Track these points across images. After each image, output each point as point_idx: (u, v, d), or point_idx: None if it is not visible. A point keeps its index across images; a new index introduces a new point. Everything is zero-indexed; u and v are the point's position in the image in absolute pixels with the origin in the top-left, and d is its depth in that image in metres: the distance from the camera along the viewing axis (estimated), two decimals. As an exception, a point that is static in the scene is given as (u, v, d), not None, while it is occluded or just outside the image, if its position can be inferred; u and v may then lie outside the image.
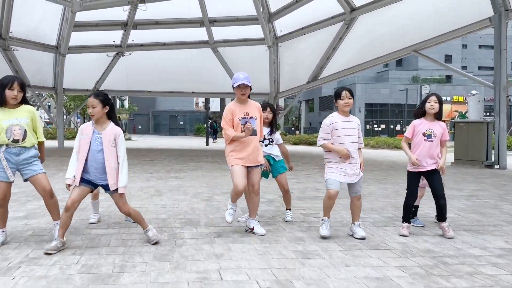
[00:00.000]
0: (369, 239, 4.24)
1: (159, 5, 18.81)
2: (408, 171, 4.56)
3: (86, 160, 3.73)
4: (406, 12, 16.09)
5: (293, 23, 19.58)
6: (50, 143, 24.47)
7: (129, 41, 20.84)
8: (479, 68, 62.52)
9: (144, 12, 18.71)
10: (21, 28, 18.27)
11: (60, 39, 19.93)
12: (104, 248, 3.73)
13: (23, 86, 3.83)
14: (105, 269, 3.18)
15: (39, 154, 3.99)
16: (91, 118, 3.88)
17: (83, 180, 3.74)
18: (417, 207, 5.01)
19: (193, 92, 24.50)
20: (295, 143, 28.19)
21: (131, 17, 19.40)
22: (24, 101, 3.90)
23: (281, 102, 38.27)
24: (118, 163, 3.77)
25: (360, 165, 4.32)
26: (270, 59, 20.96)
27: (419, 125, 4.48)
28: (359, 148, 4.39)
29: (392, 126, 48.05)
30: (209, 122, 34.92)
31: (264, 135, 4.89)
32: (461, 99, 48.54)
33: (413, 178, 4.54)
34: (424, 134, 4.41)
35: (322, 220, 4.34)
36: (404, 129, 48.08)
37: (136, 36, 20.65)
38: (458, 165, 14.08)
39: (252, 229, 4.40)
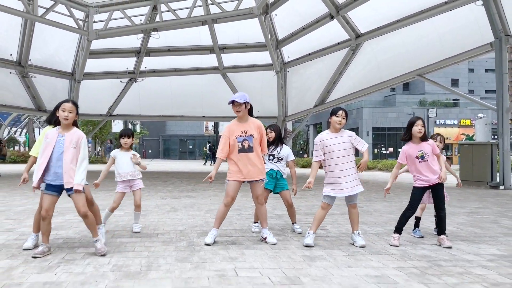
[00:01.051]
0: (371, 246, 4.60)
1: (171, 33, 19.57)
2: (414, 187, 4.91)
3: (48, 165, 4.02)
4: (410, 37, 16.63)
5: (300, 49, 20.19)
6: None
7: (142, 68, 21.54)
8: (486, 91, 62.80)
9: (156, 40, 19.51)
10: (39, 55, 19.06)
11: (75, 66, 20.68)
12: (130, 252, 4.14)
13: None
14: (134, 268, 3.58)
15: None
16: (60, 123, 4.22)
17: (49, 188, 4.02)
18: (419, 218, 5.40)
19: (203, 117, 25.07)
20: (303, 166, 28.52)
21: (144, 44, 20.17)
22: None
23: (289, 126, 38.79)
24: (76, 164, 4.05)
25: (360, 165, 4.67)
26: (278, 84, 21.51)
27: (409, 150, 4.87)
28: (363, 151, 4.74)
29: (399, 150, 47.91)
30: (208, 146, 35.74)
31: (271, 153, 5.36)
32: (468, 122, 48.79)
33: (418, 193, 4.88)
34: (417, 157, 4.79)
35: (308, 233, 4.69)
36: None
37: (149, 62, 21.38)
38: (464, 186, 14.33)
39: (265, 238, 4.77)
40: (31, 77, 19.24)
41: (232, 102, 4.87)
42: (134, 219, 5.30)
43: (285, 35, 20.01)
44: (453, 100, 58.75)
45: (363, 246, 4.57)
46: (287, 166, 5.49)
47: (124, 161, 5.07)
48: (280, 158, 5.41)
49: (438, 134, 5.76)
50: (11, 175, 16.67)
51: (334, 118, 4.76)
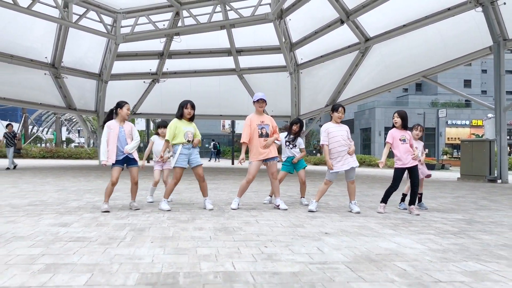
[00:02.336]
0: (361, 213, 5.85)
1: (192, 37, 20.98)
2: (395, 168, 6.15)
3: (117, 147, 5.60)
4: (416, 41, 17.73)
5: (312, 51, 21.41)
6: (89, 162, 26.56)
7: (164, 69, 22.99)
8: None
9: (178, 43, 20.95)
10: (70, 58, 20.60)
11: (102, 68, 22.21)
12: (177, 212, 5.46)
13: (194, 107, 5.98)
14: (183, 218, 4.91)
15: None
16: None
17: (116, 162, 5.56)
18: (405, 195, 6.64)
19: (220, 115, 26.41)
20: (315, 163, 29.70)
21: (167, 47, 21.61)
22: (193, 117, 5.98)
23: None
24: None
25: (350, 150, 5.91)
26: (291, 84, 22.75)
27: (395, 133, 6.13)
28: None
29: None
30: (212, 143, 37.26)
31: (290, 141, 6.71)
32: (480, 123, 49.38)
33: (398, 173, 6.12)
34: (400, 139, 6.05)
35: (311, 201, 5.99)
36: (425, 152, 48.84)
37: (170, 64, 22.82)
38: (464, 180, 15.43)
39: (278, 205, 6.05)
40: (63, 78, 20.79)
41: (257, 100, 6.12)
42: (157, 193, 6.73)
43: (298, 38, 21.26)
44: (466, 101, 59.27)
45: (358, 213, 5.82)
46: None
47: (159, 146, 6.44)
48: (295, 145, 6.78)
49: (418, 125, 6.97)
50: (54, 167, 18.21)
51: (335, 114, 6.05)
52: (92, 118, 42.15)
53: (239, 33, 21.12)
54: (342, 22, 18.62)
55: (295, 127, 6.85)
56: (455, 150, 47.59)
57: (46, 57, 19.78)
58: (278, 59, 22.10)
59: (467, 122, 50.64)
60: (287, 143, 6.86)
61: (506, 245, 3.83)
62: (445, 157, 44.99)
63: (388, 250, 3.48)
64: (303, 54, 22.09)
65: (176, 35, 20.79)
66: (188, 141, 5.77)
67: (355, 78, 20.93)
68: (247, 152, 6.16)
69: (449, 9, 15.98)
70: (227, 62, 22.96)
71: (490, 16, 14.89)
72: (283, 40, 20.43)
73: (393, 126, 6.22)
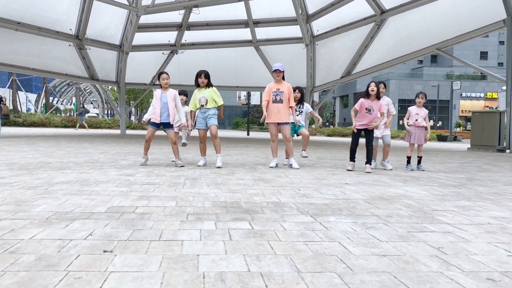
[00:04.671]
0: (374, 172, 6.68)
1: (210, 8, 21.55)
2: (353, 131, 6.92)
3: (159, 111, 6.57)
4: (430, 14, 18.15)
5: (328, 23, 21.87)
6: (110, 131, 27.57)
7: (182, 41, 23.64)
8: (499, 64, 62.53)
9: (196, 15, 21.54)
10: (92, 30, 21.35)
11: (123, 39, 22.93)
12: (216, 168, 6.35)
13: (207, 76, 6.75)
14: (223, 172, 5.80)
15: (218, 112, 6.80)
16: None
17: (152, 124, 6.52)
18: (409, 157, 7.44)
19: (237, 87, 27.13)
20: (329, 135, 30.46)
21: (185, 19, 22.20)
22: (209, 84, 6.81)
23: (315, 98, 40.41)
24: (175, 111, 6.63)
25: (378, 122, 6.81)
26: (307, 56, 23.29)
27: (364, 102, 6.78)
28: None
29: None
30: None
31: (296, 108, 7.52)
32: (495, 95, 49.41)
33: (355, 136, 6.90)
34: (366, 109, 6.74)
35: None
36: (438, 125, 49.44)
37: (188, 36, 23.45)
38: (473, 150, 16.13)
39: (291, 165, 6.89)
40: (86, 49, 21.60)
41: (274, 70, 6.92)
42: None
43: (314, 10, 21.70)
44: (481, 73, 58.98)
45: (391, 169, 6.83)
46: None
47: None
48: (300, 111, 7.58)
49: (421, 92, 7.67)
50: (82, 135, 19.24)
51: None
52: (110, 88, 43.07)
53: (256, 4, 21.59)
54: (359, -5, 19.02)
55: (295, 94, 7.59)
56: (468, 123, 47.87)
57: (70, 29, 20.54)
58: (294, 31, 22.61)
59: (482, 95, 50.67)
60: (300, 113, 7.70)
61: (495, 193, 4.65)
62: (458, 129, 45.38)
63: (397, 194, 4.32)
64: (319, 26, 22.54)
65: (195, 7, 21.33)
66: (202, 105, 6.67)
67: (370, 50, 21.43)
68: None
69: (464, -18, 16.34)
70: (244, 33, 23.51)
71: (504, -11, 15.27)
72: (300, 11, 20.91)
73: (364, 95, 6.75)
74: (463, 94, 51.54)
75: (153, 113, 6.61)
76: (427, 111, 7.61)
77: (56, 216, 2.81)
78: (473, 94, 51.72)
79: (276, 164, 6.99)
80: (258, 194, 3.96)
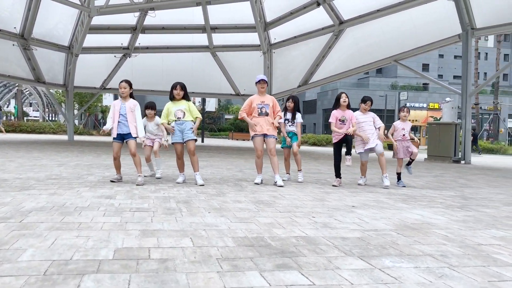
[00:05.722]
0: (366, 188, 6.38)
1: (166, 12, 20.79)
2: (333, 143, 6.79)
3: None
4: (388, 26, 18.39)
5: (286, 32, 21.70)
6: (56, 137, 25.96)
7: (136, 44, 22.68)
8: (454, 77, 65.79)
9: (151, 18, 20.69)
10: (39, 29, 19.98)
11: (73, 40, 21.65)
12: (198, 187, 5.79)
13: (183, 88, 6.27)
14: (212, 192, 5.24)
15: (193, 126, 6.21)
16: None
17: (116, 138, 5.94)
18: (400, 173, 7.20)
19: (192, 92, 26.35)
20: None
21: (140, 22, 21.30)
22: (186, 97, 6.31)
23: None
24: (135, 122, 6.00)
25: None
26: (264, 64, 23.02)
27: (336, 114, 6.70)
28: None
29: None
30: None
31: (288, 119, 7.07)
32: (436, 106, 51.56)
33: (337, 147, 6.74)
34: (340, 120, 6.64)
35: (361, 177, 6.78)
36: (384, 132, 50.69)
37: (143, 39, 22.53)
38: (431, 160, 16.41)
39: (275, 182, 6.43)
40: (32, 49, 20.17)
41: (259, 81, 6.47)
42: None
43: (273, 18, 21.48)
44: (423, 84, 61.56)
45: (387, 186, 6.56)
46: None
47: (148, 127, 6.89)
48: (293, 122, 7.14)
49: (404, 106, 7.57)
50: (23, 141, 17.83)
51: (363, 105, 6.85)
52: (55, 91, 40.83)
53: (214, 9, 21.07)
54: (318, 4, 18.97)
55: (288, 104, 7.18)
56: (413, 132, 49.58)
57: (15, 27, 19.09)
58: (251, 38, 22.28)
59: (425, 105, 52.70)
60: (286, 121, 7.21)
61: (509, 217, 4.43)
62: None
63: (418, 220, 3.97)
64: (276, 34, 22.32)
65: (151, 10, 20.49)
66: (178, 118, 6.12)
67: (327, 60, 21.46)
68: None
69: (422, -4, 16.66)
70: (201, 39, 22.90)
71: (460, 5, 15.68)
72: (259, 19, 20.62)
73: (336, 106, 6.73)
74: (408, 104, 53.36)
75: (112, 129, 6.05)
76: (411, 124, 7.47)
77: (55, 268, 2.19)
78: (417, 104, 53.68)
79: (261, 181, 6.52)
80: (275, 225, 3.48)
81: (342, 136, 6.61)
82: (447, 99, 20.39)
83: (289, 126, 7.14)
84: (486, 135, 42.58)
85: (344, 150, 6.70)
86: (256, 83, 6.54)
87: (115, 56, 23.27)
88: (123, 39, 22.62)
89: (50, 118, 51.94)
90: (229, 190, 5.53)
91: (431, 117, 48.71)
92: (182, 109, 6.16)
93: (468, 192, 6.55)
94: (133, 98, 6.21)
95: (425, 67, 63.79)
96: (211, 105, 44.77)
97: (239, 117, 6.68)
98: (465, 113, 16.18)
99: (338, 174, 6.77)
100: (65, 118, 25.26)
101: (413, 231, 3.46)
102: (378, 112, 56.29)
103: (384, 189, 6.30)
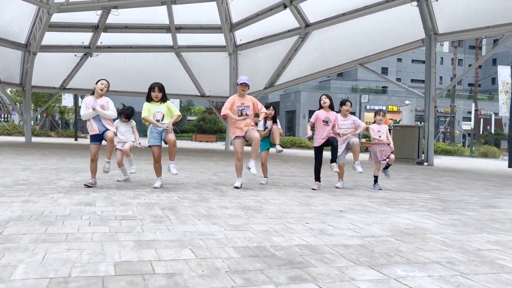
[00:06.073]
0: (345, 191, 6.37)
1: (130, 11, 20.30)
2: (314, 147, 6.74)
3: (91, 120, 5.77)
4: (354, 30, 18.64)
5: (252, 33, 21.63)
6: (12, 139, 24.88)
7: (98, 43, 22.01)
8: (412, 80, 67.76)
9: (114, 17, 20.13)
10: (-8, 25, 19.07)
11: (31, 38, 20.78)
12: (177, 192, 5.59)
13: (162, 89, 5.98)
14: (193, 197, 5.06)
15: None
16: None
17: (93, 139, 5.75)
18: (377, 176, 7.24)
19: (156, 93, 25.88)
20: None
21: (102, 20, 20.70)
22: (164, 98, 6.03)
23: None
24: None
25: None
26: (230, 65, 22.88)
27: (319, 114, 6.66)
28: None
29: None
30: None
31: (268, 126, 7.01)
32: (395, 108, 52.89)
33: (318, 151, 6.71)
34: (323, 121, 6.60)
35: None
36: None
37: (105, 38, 21.89)
38: (395, 162, 16.71)
39: (249, 168, 6.32)
40: (-14, 47, 19.22)
41: (241, 83, 6.36)
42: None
43: (239, 19, 21.37)
44: (382, 87, 63.07)
45: (361, 172, 6.65)
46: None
47: (122, 129, 6.71)
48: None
49: (380, 110, 7.69)
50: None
51: (344, 107, 6.87)
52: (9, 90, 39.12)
53: (179, 9, 20.75)
54: (285, 7, 19.03)
55: (269, 111, 7.04)
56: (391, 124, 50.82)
57: (-34, 23, 18.14)
58: (216, 39, 22.12)
59: (384, 108, 53.89)
60: (266, 129, 7.12)
61: (493, 220, 4.50)
62: (364, 140, 47.78)
63: (409, 225, 3.96)
64: (242, 35, 22.24)
65: (114, 8, 19.95)
66: (157, 120, 5.92)
67: (294, 62, 21.56)
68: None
69: (387, 1, 16.98)
70: (165, 38, 22.52)
71: (424, 11, 16.09)
72: (225, 19, 20.46)
73: (320, 108, 6.71)
74: (367, 107, 54.52)
75: (88, 125, 5.84)
76: (387, 126, 7.55)
77: (56, 287, 1.99)
78: (376, 107, 54.85)
79: (241, 184, 6.39)
80: (272, 233, 3.36)
81: (325, 140, 6.56)
82: (406, 102, 20.87)
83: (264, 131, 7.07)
84: (443, 137, 44.08)
85: (327, 152, 6.62)
86: (238, 84, 6.43)
87: (75, 55, 22.53)
88: (84, 38, 21.92)
89: (3, 119, 49.81)
90: (211, 195, 5.37)
91: (391, 119, 49.96)
92: (162, 111, 5.97)
93: (443, 195, 6.66)
94: None
95: (384, 70, 65.30)
96: (175, 105, 44.07)
97: (222, 114, 6.52)
98: (428, 116, 16.61)
99: (318, 178, 6.73)
100: (21, 119, 24.21)
101: (410, 237, 3.43)
102: (339, 114, 56.70)
103: (362, 192, 6.30)
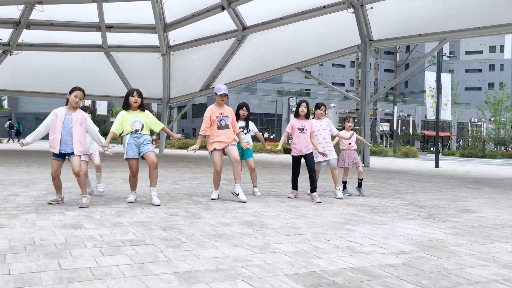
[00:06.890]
0: (324, 203, 6.31)
1: (57, 7, 19.01)
2: (292, 156, 6.63)
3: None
4: (292, 34, 18.83)
5: (186, 34, 21.14)
6: None
7: (19, 40, 20.37)
8: (333, 83, 70.42)
9: (39, 13, 18.72)
10: None
11: None
12: (164, 207, 5.19)
13: (141, 95, 5.48)
14: (182, 213, 4.71)
15: (152, 139, 5.51)
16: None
17: (55, 155, 5.08)
18: (345, 182, 7.27)
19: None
20: (180, 148, 29.58)
21: (25, 16, 19.17)
22: (142, 105, 5.50)
23: (154, 108, 38.95)
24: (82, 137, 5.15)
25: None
26: (163, 66, 22.24)
27: (294, 123, 6.59)
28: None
29: (260, 134, 51.79)
30: (8, 123, 35.23)
31: (242, 127, 6.71)
32: (319, 110, 54.59)
33: (294, 160, 6.59)
34: (299, 129, 6.50)
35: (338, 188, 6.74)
36: (271, 137, 52.52)
37: (27, 35, 20.30)
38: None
39: (237, 194, 6.06)
40: None
41: (221, 94, 6.00)
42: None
43: (173, 19, 20.80)
44: (306, 90, 64.92)
45: (341, 198, 6.51)
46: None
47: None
48: (248, 130, 6.81)
49: (349, 116, 7.78)
50: None
51: (318, 111, 6.71)
52: None
53: (110, 7, 19.76)
54: (223, 9, 18.82)
55: (242, 112, 6.81)
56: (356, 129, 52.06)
57: None
58: (149, 39, 21.41)
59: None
60: (241, 129, 6.78)
61: (484, 226, 4.63)
62: (290, 141, 48.92)
63: (421, 236, 3.94)
64: (176, 36, 21.71)
65: (38, 3, 18.52)
66: (136, 130, 5.41)
67: (231, 65, 21.39)
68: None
69: (324, 7, 17.35)
70: (94, 37, 21.35)
71: (360, 18, 16.63)
72: (159, 19, 19.82)
73: (296, 115, 6.60)
74: (293, 109, 55.84)
75: (51, 140, 5.06)
76: (354, 132, 7.60)
77: None
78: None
79: (218, 196, 6.08)
80: (304, 254, 3.15)
81: (302, 154, 6.42)
82: (332, 104, 21.63)
83: (244, 134, 6.78)
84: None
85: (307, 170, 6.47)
86: (216, 94, 6.06)
87: (-8, 53, 20.66)
88: (3, 35, 20.16)
89: None
90: (197, 210, 5.04)
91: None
92: (141, 120, 5.45)
93: (412, 199, 6.83)
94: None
95: (307, 73, 67.27)
96: (103, 108, 42.11)
97: (201, 134, 6.11)
98: (364, 118, 17.20)
99: (295, 187, 6.62)
100: None
101: (437, 251, 3.40)
102: (266, 116, 57.83)
103: (342, 202, 6.27)
